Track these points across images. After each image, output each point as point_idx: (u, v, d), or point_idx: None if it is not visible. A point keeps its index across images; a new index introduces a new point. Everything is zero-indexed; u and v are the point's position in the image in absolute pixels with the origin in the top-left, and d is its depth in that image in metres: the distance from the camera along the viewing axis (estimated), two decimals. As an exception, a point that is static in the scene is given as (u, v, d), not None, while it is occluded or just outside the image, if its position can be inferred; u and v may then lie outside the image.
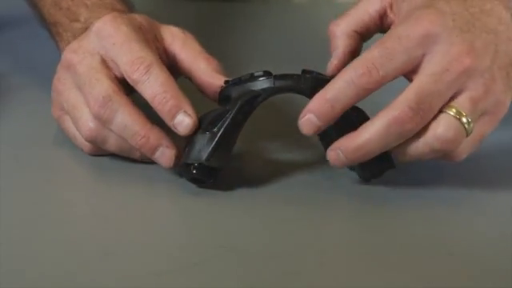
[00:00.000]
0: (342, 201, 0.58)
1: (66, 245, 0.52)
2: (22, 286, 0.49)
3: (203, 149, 0.57)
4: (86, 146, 0.62)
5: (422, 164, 0.62)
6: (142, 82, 0.59)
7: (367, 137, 0.56)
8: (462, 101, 0.56)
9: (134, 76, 0.59)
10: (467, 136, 0.56)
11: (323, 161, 0.62)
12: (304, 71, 0.59)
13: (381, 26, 0.61)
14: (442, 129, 0.55)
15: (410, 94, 0.55)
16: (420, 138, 0.56)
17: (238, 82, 0.59)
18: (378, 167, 0.58)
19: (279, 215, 0.56)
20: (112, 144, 0.61)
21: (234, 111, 0.57)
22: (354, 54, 0.61)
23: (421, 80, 0.55)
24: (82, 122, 0.60)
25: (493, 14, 0.58)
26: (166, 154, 0.59)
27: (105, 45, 0.61)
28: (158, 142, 0.59)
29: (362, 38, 0.62)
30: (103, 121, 0.59)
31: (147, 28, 0.63)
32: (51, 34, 0.70)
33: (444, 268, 0.51)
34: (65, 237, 0.53)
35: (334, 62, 0.60)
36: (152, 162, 0.60)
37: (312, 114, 0.56)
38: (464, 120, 0.55)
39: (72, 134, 0.63)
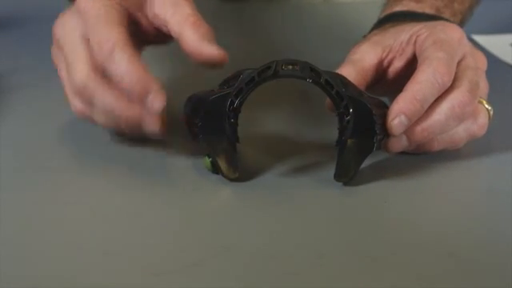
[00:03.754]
0: (342, 201, 0.58)
1: (66, 245, 0.52)
2: (22, 286, 0.49)
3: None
4: (78, 103, 0.61)
5: (421, 164, 0.62)
6: (108, 65, 0.59)
7: (434, 119, 0.60)
8: (483, 94, 0.63)
9: (99, 57, 0.59)
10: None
11: (324, 161, 0.62)
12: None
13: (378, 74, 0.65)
14: (482, 116, 0.62)
15: (465, 82, 0.61)
16: (461, 125, 0.62)
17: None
18: None
19: (279, 215, 0.56)
20: (100, 97, 0.60)
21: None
22: None
23: (470, 72, 0.62)
24: (75, 66, 0.61)
25: None
26: (155, 99, 0.58)
27: (82, 23, 0.61)
28: (149, 86, 0.58)
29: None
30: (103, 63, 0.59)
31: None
32: None
33: (444, 268, 0.51)
34: (65, 237, 0.53)
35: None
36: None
37: (403, 116, 0.59)
38: (489, 108, 0.63)
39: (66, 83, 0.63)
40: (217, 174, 0.59)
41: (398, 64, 0.65)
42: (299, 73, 0.58)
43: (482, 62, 0.64)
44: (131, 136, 0.62)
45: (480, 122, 0.62)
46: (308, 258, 0.52)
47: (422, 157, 0.63)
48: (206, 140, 0.59)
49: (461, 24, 0.73)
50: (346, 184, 0.59)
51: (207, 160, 0.59)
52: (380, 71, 0.65)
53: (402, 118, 0.59)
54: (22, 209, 0.56)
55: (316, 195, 0.58)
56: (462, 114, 0.61)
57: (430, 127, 0.60)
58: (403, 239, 0.54)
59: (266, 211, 0.57)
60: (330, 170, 0.59)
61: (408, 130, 0.60)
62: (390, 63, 0.65)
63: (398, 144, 0.60)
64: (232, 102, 0.58)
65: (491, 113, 0.63)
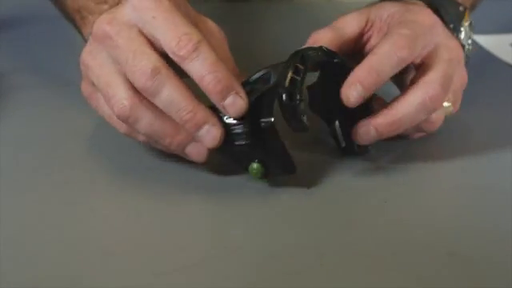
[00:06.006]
0: (342, 201, 0.58)
1: (66, 245, 0.52)
2: (22, 286, 0.49)
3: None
4: (122, 125, 0.59)
5: (421, 164, 0.62)
6: (190, 60, 0.56)
7: (405, 112, 0.60)
8: (459, 84, 0.63)
9: (181, 53, 0.56)
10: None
11: (323, 160, 0.62)
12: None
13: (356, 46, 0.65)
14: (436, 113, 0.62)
15: (438, 75, 0.60)
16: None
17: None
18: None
19: (279, 215, 0.56)
20: (144, 125, 0.58)
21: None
22: None
23: (442, 64, 0.61)
24: (116, 100, 0.57)
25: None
26: (211, 133, 0.57)
27: (143, 17, 0.58)
28: (205, 118, 0.56)
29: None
30: (149, 94, 0.56)
31: (185, 11, 0.60)
32: (75, 22, 0.68)
33: (444, 268, 0.51)
34: (65, 237, 0.53)
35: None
36: (169, 157, 0.60)
37: (359, 85, 0.58)
38: (447, 105, 0.63)
39: (106, 113, 0.60)
40: (266, 179, 0.58)
41: (373, 41, 0.65)
42: (324, 56, 0.59)
43: (457, 52, 0.63)
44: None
45: (433, 118, 0.62)
46: (308, 258, 0.52)
47: (421, 157, 0.63)
48: (255, 145, 0.57)
49: (472, 7, 0.72)
50: (345, 184, 0.59)
51: (255, 166, 0.58)
52: (359, 44, 0.65)
53: (358, 87, 0.58)
54: (22, 209, 0.56)
55: (316, 195, 0.58)
56: (433, 108, 0.61)
57: (399, 120, 0.60)
58: (403, 239, 0.54)
59: (266, 211, 0.57)
60: (330, 170, 0.59)
61: (377, 123, 0.60)
62: (369, 39, 0.65)
63: (367, 136, 0.60)
64: (290, 92, 0.57)
65: (449, 110, 0.63)
